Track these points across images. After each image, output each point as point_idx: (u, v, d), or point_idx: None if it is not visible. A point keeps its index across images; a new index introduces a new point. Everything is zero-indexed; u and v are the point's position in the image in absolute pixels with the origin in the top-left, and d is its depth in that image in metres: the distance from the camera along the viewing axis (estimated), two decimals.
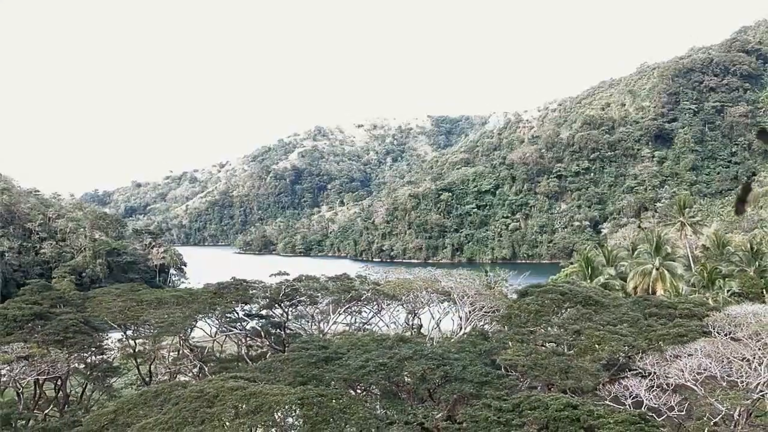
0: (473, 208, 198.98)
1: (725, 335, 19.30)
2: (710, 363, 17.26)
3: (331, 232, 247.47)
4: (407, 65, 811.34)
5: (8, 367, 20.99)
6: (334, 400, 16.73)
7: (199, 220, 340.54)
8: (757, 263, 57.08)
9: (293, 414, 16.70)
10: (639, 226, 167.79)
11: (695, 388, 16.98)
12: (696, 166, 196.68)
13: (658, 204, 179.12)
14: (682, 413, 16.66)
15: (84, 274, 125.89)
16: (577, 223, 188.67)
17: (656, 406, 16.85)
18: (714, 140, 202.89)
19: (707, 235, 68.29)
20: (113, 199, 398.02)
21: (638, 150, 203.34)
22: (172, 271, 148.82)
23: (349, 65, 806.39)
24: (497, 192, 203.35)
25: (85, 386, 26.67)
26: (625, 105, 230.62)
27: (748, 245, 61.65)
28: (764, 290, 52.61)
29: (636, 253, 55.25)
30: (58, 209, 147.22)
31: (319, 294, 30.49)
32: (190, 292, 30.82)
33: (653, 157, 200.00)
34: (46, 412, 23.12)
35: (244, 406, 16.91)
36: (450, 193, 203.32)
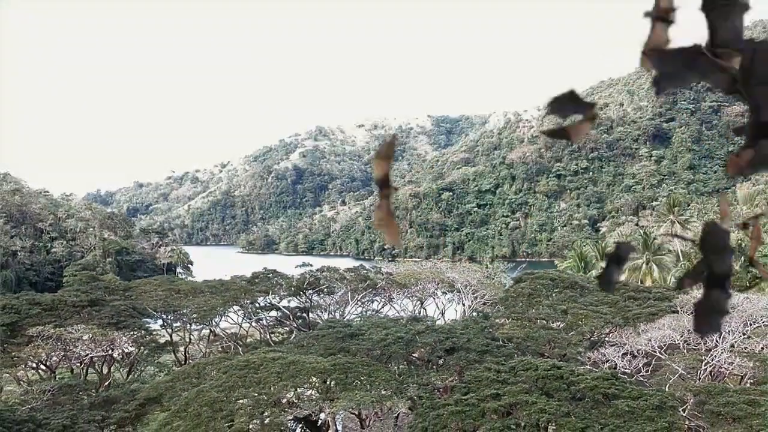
0: (474, 207, 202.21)
1: (690, 313, 22.74)
2: (673, 334, 20.77)
3: (333, 232, 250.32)
4: (407, 65, 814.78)
5: (73, 346, 24.34)
6: (361, 367, 20.12)
7: (201, 220, 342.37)
8: (742, 258, 60.61)
9: (327, 378, 20.07)
10: (637, 224, 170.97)
11: (660, 354, 20.48)
12: (693, 165, 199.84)
13: (655, 203, 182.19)
14: (648, 374, 20.23)
15: (94, 273, 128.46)
16: (576, 222, 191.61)
17: (628, 370, 20.35)
18: (711, 139, 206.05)
19: (698, 233, 71.63)
20: (115, 199, 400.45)
21: (636, 149, 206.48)
22: (179, 270, 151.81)
23: (349, 65, 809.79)
24: (497, 191, 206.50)
25: (131, 366, 30.07)
26: (623, 105, 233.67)
27: (736, 242, 65.09)
28: (748, 283, 55.97)
29: None
30: (68, 209, 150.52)
31: (337, 284, 33.87)
32: (222, 283, 34.30)
33: (651, 156, 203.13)
34: (106, 384, 26.46)
35: (285, 373, 20.29)
36: (450, 193, 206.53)
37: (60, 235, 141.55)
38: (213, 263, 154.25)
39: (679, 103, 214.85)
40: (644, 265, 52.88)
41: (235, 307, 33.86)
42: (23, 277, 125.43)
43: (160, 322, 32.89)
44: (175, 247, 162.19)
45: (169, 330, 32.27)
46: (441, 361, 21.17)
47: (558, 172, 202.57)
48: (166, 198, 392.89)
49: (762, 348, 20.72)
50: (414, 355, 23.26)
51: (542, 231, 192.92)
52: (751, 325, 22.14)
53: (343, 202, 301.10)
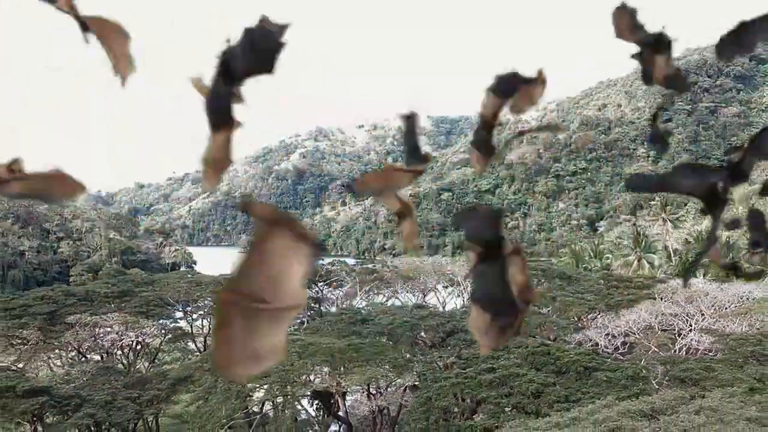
0: None
1: (666, 300, 25.40)
2: (649, 317, 23.36)
3: (333, 232, 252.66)
4: (407, 65, 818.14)
5: (105, 333, 26.79)
6: (371, 347, 22.61)
7: (202, 221, 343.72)
8: (731, 255, 63.47)
9: (342, 356, 22.56)
10: (634, 224, 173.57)
11: (637, 335, 23.05)
12: None
13: (653, 202, 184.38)
14: (626, 351, 22.85)
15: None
16: (574, 222, 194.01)
17: (609, 349, 22.94)
18: (708, 140, 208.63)
19: (690, 231, 74.49)
20: (116, 200, 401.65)
21: (634, 150, 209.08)
22: (183, 269, 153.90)
23: (349, 65, 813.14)
24: (496, 191, 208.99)
25: (156, 353, 32.49)
26: (621, 106, 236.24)
27: (725, 239, 67.87)
28: (735, 278, 58.49)
29: (620, 246, 61.49)
30: (74, 210, 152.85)
31: (346, 278, 36.43)
32: None
33: (648, 156, 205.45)
34: (135, 369, 28.91)
35: (305, 352, 22.79)
36: (450, 193, 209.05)
37: (66, 235, 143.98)
38: (215, 263, 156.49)
39: (677, 104, 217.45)
40: (636, 262, 55.46)
41: None
42: (31, 277, 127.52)
43: (179, 314, 35.38)
44: (179, 247, 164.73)
45: (190, 320, 34.76)
46: (443, 342, 23.67)
47: (557, 173, 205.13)
48: (167, 199, 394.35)
49: (724, 327, 23.32)
50: (419, 337, 25.72)
51: (541, 231, 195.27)
52: (720, 309, 24.82)
53: (344, 203, 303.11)
